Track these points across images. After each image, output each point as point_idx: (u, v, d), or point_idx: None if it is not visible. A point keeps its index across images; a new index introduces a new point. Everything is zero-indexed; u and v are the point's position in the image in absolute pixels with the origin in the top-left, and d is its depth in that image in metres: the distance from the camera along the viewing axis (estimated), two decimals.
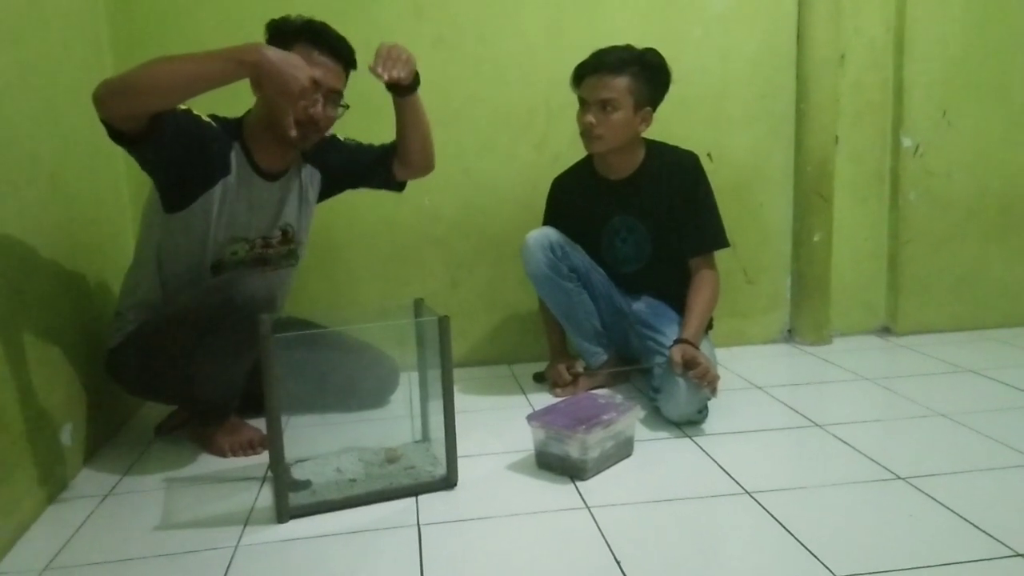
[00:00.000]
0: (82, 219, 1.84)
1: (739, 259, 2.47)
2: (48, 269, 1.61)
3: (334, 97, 1.68)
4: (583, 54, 1.99)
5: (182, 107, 1.55)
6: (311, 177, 1.88)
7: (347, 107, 1.73)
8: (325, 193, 1.94)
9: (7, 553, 1.32)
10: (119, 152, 2.14)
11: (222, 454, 1.74)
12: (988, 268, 2.63)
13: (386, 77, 1.64)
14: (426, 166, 1.97)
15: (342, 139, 1.93)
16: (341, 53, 1.68)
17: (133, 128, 1.44)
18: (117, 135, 1.46)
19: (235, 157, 1.68)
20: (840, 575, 1.14)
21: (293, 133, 1.60)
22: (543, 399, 2.05)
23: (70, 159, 1.76)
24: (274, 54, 1.41)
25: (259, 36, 1.69)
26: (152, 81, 1.38)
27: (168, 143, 1.51)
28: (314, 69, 1.55)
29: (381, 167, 1.93)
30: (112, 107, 1.40)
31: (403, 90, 1.77)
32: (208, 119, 1.63)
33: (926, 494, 1.41)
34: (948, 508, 1.35)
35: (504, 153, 2.40)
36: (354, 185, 1.98)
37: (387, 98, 1.81)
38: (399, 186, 2.01)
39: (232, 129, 1.69)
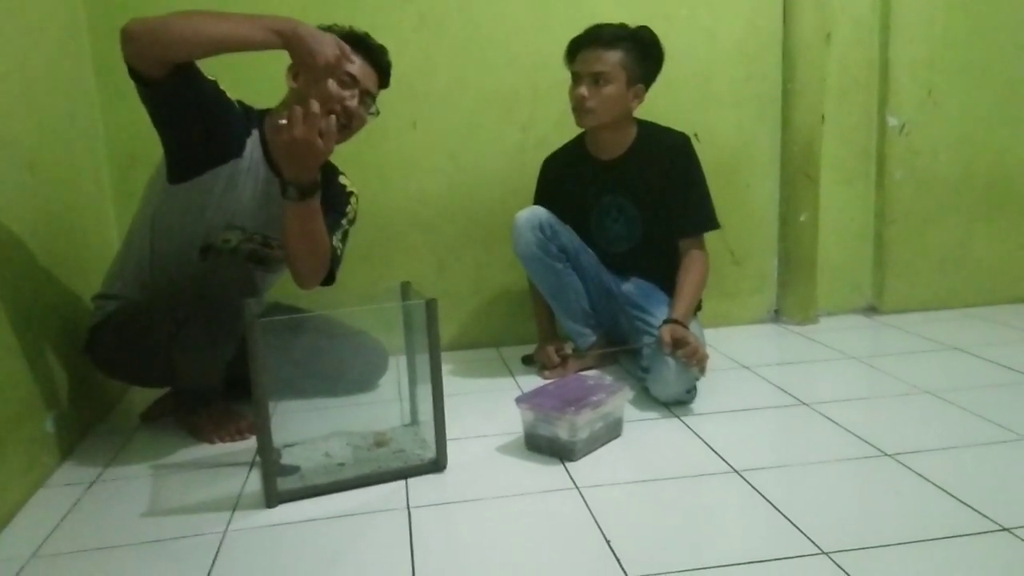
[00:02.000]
0: (62, 205, 1.81)
1: (726, 240, 2.47)
2: (28, 256, 1.58)
3: (367, 100, 1.69)
4: (569, 35, 1.98)
5: (211, 78, 1.54)
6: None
7: (378, 113, 1.73)
8: None
9: None
10: (99, 137, 2.14)
11: (209, 440, 1.73)
12: (973, 247, 2.65)
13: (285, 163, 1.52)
14: (309, 280, 1.70)
15: (344, 212, 1.82)
16: (379, 61, 1.71)
17: (154, 74, 1.44)
18: (137, 76, 1.45)
19: (251, 144, 1.66)
20: (829, 551, 1.15)
21: (316, 110, 1.50)
22: (532, 381, 2.04)
23: (48, 145, 1.74)
24: (306, 29, 1.46)
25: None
26: (186, 30, 1.40)
27: (190, 99, 1.50)
28: (352, 66, 1.61)
29: None
30: (139, 48, 1.40)
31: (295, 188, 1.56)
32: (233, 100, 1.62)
33: (912, 470, 1.42)
34: (934, 484, 1.36)
35: (490, 136, 2.39)
36: None
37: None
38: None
39: (255, 117, 1.69)
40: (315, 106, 1.46)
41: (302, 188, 1.54)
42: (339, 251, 1.77)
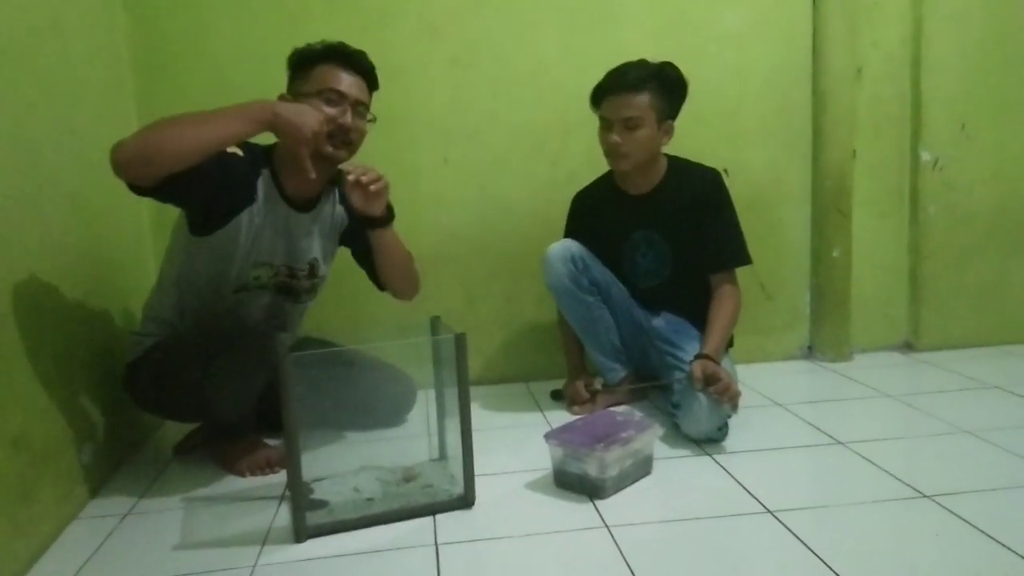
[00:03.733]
0: (102, 238, 1.85)
1: (757, 275, 2.45)
2: (68, 288, 1.62)
3: (361, 110, 1.70)
4: (597, 71, 1.99)
5: None
6: (341, 218, 1.87)
7: (374, 119, 1.75)
8: (342, 240, 1.92)
9: (27, 572, 1.32)
10: None
11: (240, 473, 1.74)
12: (1010, 282, 2.59)
13: (360, 208, 1.65)
14: (407, 294, 1.94)
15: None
16: (362, 67, 1.71)
17: (152, 184, 1.46)
18: (137, 189, 1.48)
19: (262, 184, 1.69)
20: None
21: (312, 175, 1.58)
22: (560, 417, 2.03)
23: (90, 179, 1.78)
24: (283, 108, 1.52)
25: (276, 53, 1.72)
26: (170, 146, 1.41)
27: (192, 181, 1.50)
28: (337, 82, 1.65)
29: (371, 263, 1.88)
30: (133, 173, 1.43)
31: (376, 222, 1.74)
32: (234, 147, 1.60)
33: (952, 512, 1.38)
34: (975, 527, 1.32)
35: (519, 170, 2.41)
36: (357, 257, 1.93)
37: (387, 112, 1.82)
38: (380, 288, 1.95)
39: (261, 157, 1.71)
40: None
41: (385, 218, 1.73)
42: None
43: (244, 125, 1.48)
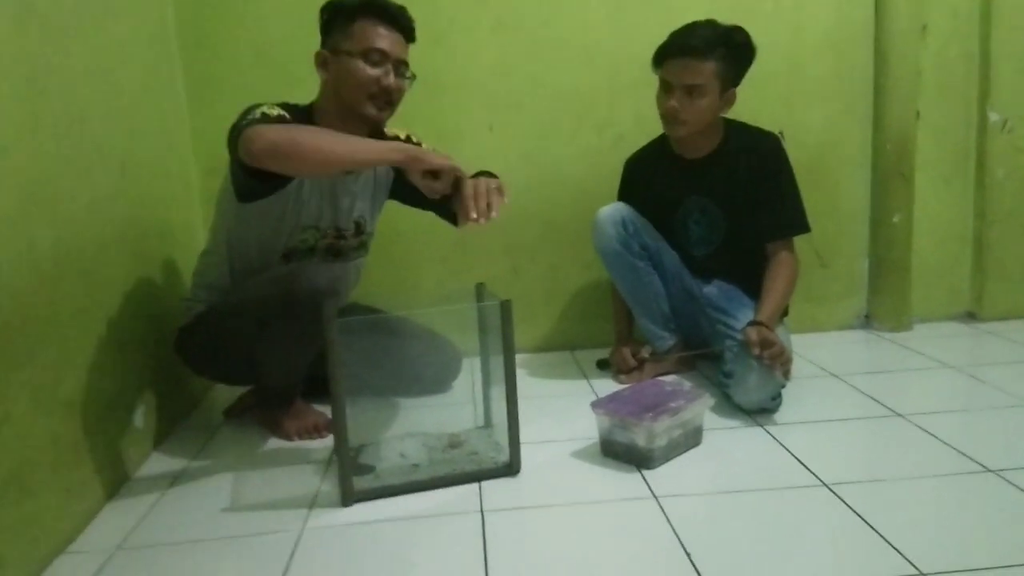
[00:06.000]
0: (152, 205, 1.87)
1: (812, 242, 2.36)
2: (119, 254, 1.64)
3: (402, 69, 1.66)
4: (646, 33, 1.92)
5: (263, 109, 1.53)
6: (386, 173, 1.86)
7: (414, 77, 1.71)
8: (392, 195, 1.91)
9: (81, 533, 1.35)
10: (187, 141, 2.22)
11: (288, 438, 1.75)
12: None
13: (482, 221, 1.46)
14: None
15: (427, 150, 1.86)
16: (402, 24, 1.66)
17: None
18: (246, 169, 1.49)
19: None
20: (928, 572, 1.07)
21: (371, 110, 1.62)
22: (607, 386, 2.00)
23: (139, 147, 1.79)
24: (417, 151, 1.47)
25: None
26: (310, 155, 1.42)
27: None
28: (379, 40, 1.61)
29: (446, 208, 1.80)
30: (260, 161, 1.43)
31: None
32: (281, 110, 1.58)
33: (1018, 487, 1.32)
34: None
35: (565, 137, 2.36)
36: (416, 204, 1.87)
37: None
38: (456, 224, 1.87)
39: (303, 118, 1.67)
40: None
41: None
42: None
43: (382, 156, 1.49)
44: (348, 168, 1.57)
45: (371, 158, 1.50)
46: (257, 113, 1.50)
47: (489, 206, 1.44)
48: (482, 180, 1.49)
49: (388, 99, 1.64)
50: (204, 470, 1.62)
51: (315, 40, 1.69)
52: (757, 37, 1.90)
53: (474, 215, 1.43)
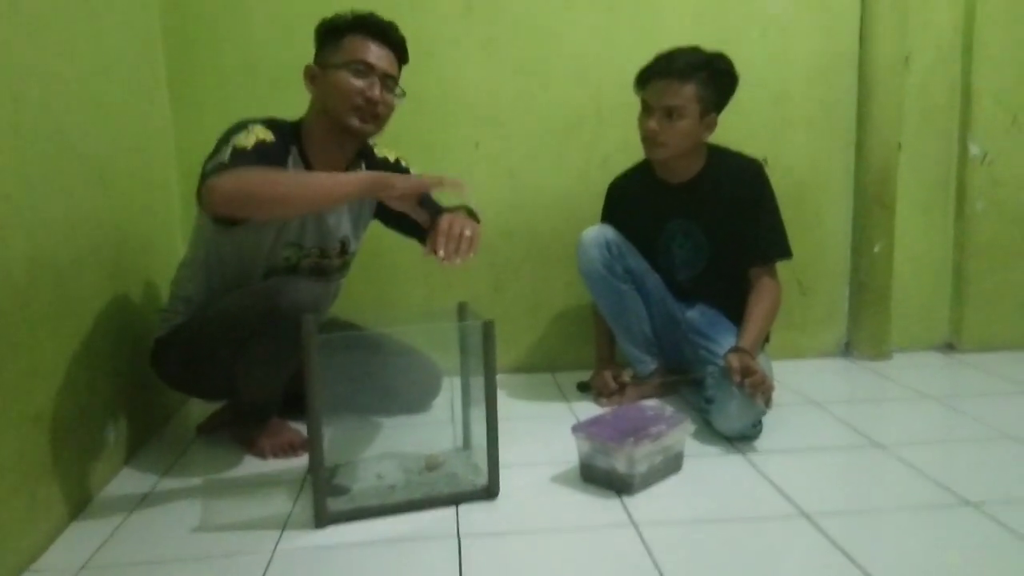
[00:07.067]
0: (130, 215, 1.84)
1: (794, 269, 2.38)
2: (95, 266, 1.61)
3: (389, 83, 1.65)
4: (634, 57, 1.93)
5: (238, 141, 1.51)
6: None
7: (404, 94, 1.70)
8: (377, 214, 1.89)
9: (44, 551, 1.31)
10: (170, 152, 2.19)
11: (262, 455, 1.72)
12: None
13: (445, 263, 1.46)
14: None
15: (394, 163, 1.86)
16: (392, 40, 1.66)
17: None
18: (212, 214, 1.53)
19: (292, 162, 1.65)
20: None
21: (354, 122, 1.61)
22: (587, 409, 1.99)
23: (119, 158, 1.77)
24: (378, 176, 1.49)
25: (308, 31, 1.68)
26: (270, 201, 1.41)
27: None
28: (366, 53, 1.61)
29: (421, 233, 1.75)
30: (224, 209, 1.44)
31: None
32: (264, 128, 1.58)
33: (998, 521, 1.32)
34: (1021, 536, 1.25)
35: (552, 156, 2.36)
36: (399, 229, 1.85)
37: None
38: None
39: (289, 133, 1.66)
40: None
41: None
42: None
43: (346, 193, 1.46)
44: (313, 211, 1.58)
45: (335, 197, 1.48)
46: (225, 155, 1.47)
47: (458, 250, 1.45)
48: (459, 221, 1.49)
49: (373, 111, 1.63)
50: (174, 488, 1.58)
51: (302, 54, 1.68)
52: (743, 66, 1.92)
53: (441, 253, 1.44)
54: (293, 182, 1.46)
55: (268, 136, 1.56)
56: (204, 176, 1.47)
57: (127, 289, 1.79)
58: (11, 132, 1.29)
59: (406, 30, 1.69)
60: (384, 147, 1.85)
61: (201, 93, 2.22)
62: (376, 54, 1.62)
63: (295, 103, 1.70)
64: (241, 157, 1.47)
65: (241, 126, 1.57)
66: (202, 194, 1.44)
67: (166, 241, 2.09)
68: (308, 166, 1.67)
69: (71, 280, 1.48)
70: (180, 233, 2.19)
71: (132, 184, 1.85)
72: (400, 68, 1.70)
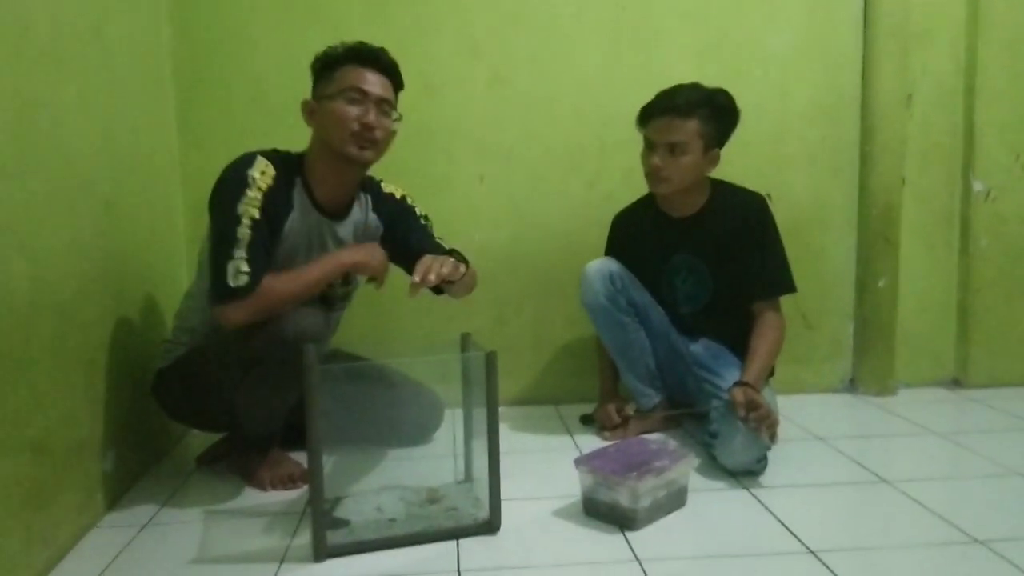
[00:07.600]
0: (135, 245, 1.85)
1: (798, 304, 2.37)
2: (99, 294, 1.61)
3: (385, 107, 1.67)
4: (638, 92, 1.95)
5: (240, 231, 1.57)
6: (375, 225, 1.85)
7: (400, 118, 1.71)
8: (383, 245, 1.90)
9: None
10: (176, 181, 2.21)
11: (262, 487, 1.71)
12: None
13: (417, 279, 1.52)
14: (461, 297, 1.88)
15: (418, 214, 1.88)
16: (384, 64, 1.68)
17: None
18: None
19: (297, 194, 1.67)
20: None
21: (352, 150, 1.63)
22: (590, 443, 1.97)
23: (125, 186, 1.78)
24: (351, 254, 1.68)
25: None
26: (286, 298, 1.58)
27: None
28: (359, 80, 1.63)
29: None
30: (247, 323, 1.55)
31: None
32: (266, 161, 1.62)
33: (1008, 560, 1.29)
34: None
35: (555, 190, 2.37)
36: (398, 262, 1.82)
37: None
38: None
39: (293, 165, 1.69)
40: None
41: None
42: (448, 246, 1.84)
43: (334, 271, 1.65)
44: (311, 296, 1.66)
45: (325, 281, 1.66)
46: (227, 274, 1.53)
47: (428, 270, 1.52)
48: (441, 258, 1.57)
49: (371, 137, 1.64)
50: (173, 519, 1.57)
51: (308, 87, 1.71)
52: (745, 102, 1.94)
53: (417, 279, 1.51)
54: (291, 285, 1.59)
55: (270, 170, 1.60)
56: (215, 291, 1.57)
57: (130, 317, 1.79)
58: (19, 157, 1.30)
59: (413, 66, 1.72)
60: (391, 183, 1.87)
61: (208, 125, 2.24)
62: (369, 80, 1.64)
63: (301, 135, 1.72)
64: (241, 273, 1.54)
65: (245, 161, 1.60)
66: (218, 317, 1.58)
67: (170, 271, 2.10)
68: (312, 198, 1.69)
69: (74, 308, 1.49)
70: (185, 263, 2.20)
71: (138, 214, 1.86)
72: (396, 93, 1.71)
